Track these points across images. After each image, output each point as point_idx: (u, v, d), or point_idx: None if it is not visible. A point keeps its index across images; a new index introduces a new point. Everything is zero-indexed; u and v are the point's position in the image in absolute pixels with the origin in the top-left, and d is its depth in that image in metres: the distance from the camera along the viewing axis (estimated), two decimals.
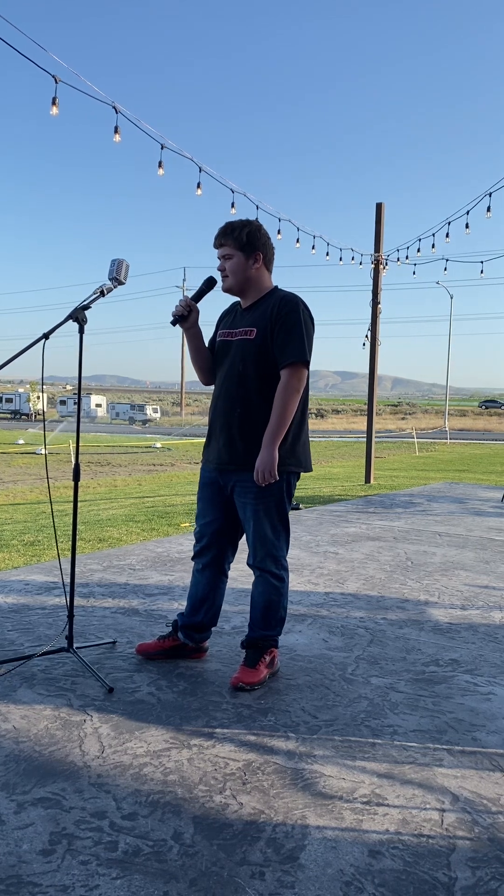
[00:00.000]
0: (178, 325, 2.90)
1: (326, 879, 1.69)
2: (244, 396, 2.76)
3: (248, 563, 2.88)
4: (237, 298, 2.93)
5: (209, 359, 2.96)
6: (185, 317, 2.86)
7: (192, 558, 3.01)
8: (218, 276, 2.87)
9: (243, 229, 2.76)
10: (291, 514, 7.28)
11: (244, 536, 2.93)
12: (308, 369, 2.73)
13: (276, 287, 2.87)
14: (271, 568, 2.82)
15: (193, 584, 3.01)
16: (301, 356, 2.68)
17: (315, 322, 2.82)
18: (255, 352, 2.73)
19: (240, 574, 4.25)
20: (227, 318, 2.94)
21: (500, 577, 4.76)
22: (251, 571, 2.91)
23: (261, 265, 2.81)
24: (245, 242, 2.76)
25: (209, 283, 2.89)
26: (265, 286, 2.85)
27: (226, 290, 2.87)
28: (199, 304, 2.90)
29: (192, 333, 2.91)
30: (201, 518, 2.96)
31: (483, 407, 76.21)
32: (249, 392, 2.75)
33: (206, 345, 2.98)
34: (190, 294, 2.96)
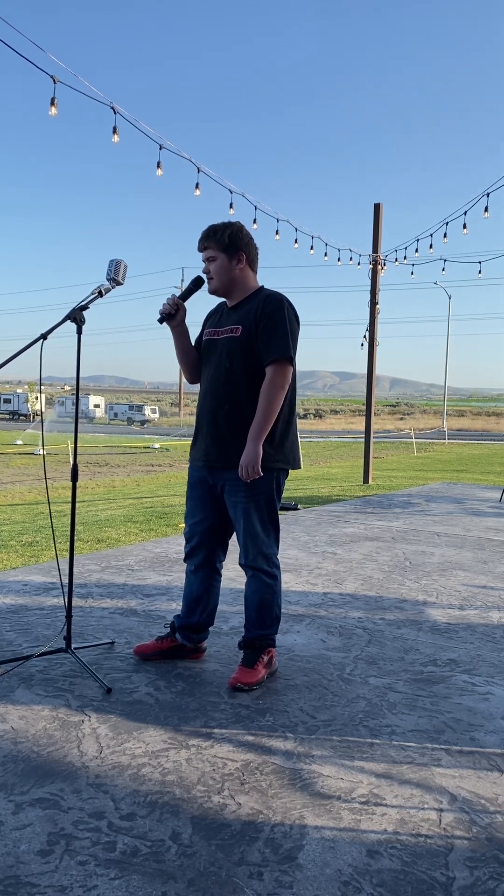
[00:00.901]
0: (164, 323, 2.92)
1: (324, 879, 1.69)
2: (231, 393, 2.77)
3: (239, 563, 2.89)
4: (223, 299, 2.95)
5: (196, 357, 2.99)
6: (173, 315, 2.89)
7: (184, 559, 3.02)
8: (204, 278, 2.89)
9: (225, 231, 2.80)
10: (290, 515, 7.29)
11: (234, 535, 2.94)
12: (293, 366, 2.76)
13: (262, 287, 2.90)
14: (263, 566, 2.83)
15: (187, 586, 3.01)
16: (285, 353, 2.70)
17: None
18: (241, 349, 2.75)
19: (238, 574, 4.24)
20: (214, 318, 2.97)
21: (498, 577, 4.77)
22: None
23: (244, 265, 2.84)
24: (227, 244, 2.79)
25: (196, 283, 2.91)
26: (250, 286, 2.87)
27: (211, 291, 2.89)
28: (186, 304, 2.92)
29: (179, 332, 2.93)
30: (191, 517, 2.96)
31: None
32: (236, 389, 2.77)
33: (193, 344, 3.00)
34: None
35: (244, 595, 2.91)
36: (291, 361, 2.73)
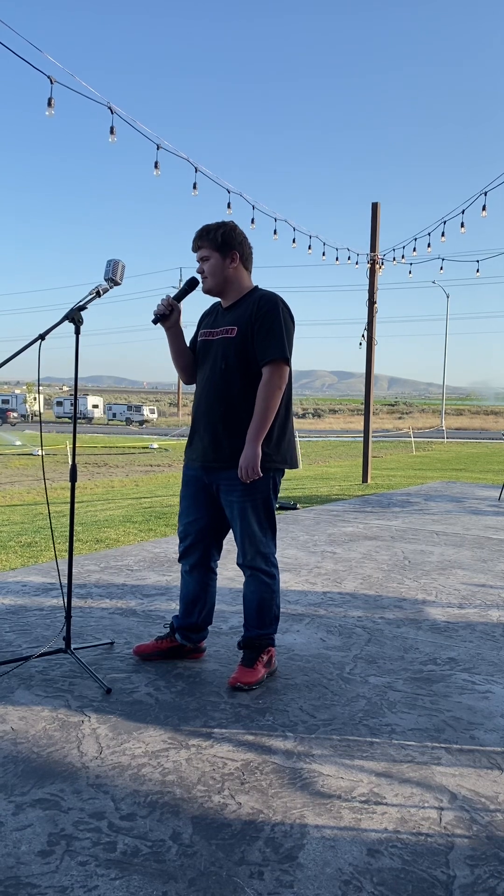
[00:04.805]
0: (159, 324, 2.93)
1: (325, 878, 1.69)
2: (227, 394, 2.78)
3: (237, 563, 2.88)
4: (218, 299, 2.95)
5: (190, 358, 2.99)
6: (167, 316, 2.89)
7: (179, 560, 3.02)
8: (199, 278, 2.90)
9: (218, 230, 2.81)
10: (288, 514, 7.29)
11: (229, 535, 2.94)
12: (289, 366, 2.76)
13: (257, 287, 2.91)
14: (261, 566, 2.83)
15: (184, 586, 3.01)
16: (281, 353, 2.70)
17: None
18: (236, 350, 2.76)
19: (237, 574, 4.24)
20: (208, 319, 2.96)
21: (497, 576, 4.77)
22: None
23: (238, 264, 2.84)
24: (220, 243, 2.80)
25: (191, 283, 2.92)
26: (245, 286, 2.87)
27: (206, 291, 2.90)
28: (180, 305, 2.92)
29: (174, 332, 2.93)
30: (185, 517, 2.96)
31: None
32: (232, 390, 2.77)
33: (187, 345, 3.00)
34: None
35: (243, 595, 2.91)
36: (287, 362, 2.73)
